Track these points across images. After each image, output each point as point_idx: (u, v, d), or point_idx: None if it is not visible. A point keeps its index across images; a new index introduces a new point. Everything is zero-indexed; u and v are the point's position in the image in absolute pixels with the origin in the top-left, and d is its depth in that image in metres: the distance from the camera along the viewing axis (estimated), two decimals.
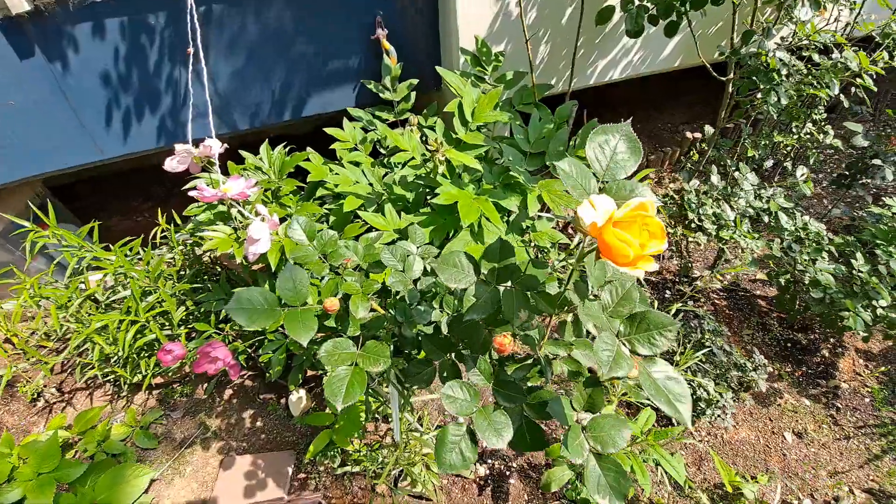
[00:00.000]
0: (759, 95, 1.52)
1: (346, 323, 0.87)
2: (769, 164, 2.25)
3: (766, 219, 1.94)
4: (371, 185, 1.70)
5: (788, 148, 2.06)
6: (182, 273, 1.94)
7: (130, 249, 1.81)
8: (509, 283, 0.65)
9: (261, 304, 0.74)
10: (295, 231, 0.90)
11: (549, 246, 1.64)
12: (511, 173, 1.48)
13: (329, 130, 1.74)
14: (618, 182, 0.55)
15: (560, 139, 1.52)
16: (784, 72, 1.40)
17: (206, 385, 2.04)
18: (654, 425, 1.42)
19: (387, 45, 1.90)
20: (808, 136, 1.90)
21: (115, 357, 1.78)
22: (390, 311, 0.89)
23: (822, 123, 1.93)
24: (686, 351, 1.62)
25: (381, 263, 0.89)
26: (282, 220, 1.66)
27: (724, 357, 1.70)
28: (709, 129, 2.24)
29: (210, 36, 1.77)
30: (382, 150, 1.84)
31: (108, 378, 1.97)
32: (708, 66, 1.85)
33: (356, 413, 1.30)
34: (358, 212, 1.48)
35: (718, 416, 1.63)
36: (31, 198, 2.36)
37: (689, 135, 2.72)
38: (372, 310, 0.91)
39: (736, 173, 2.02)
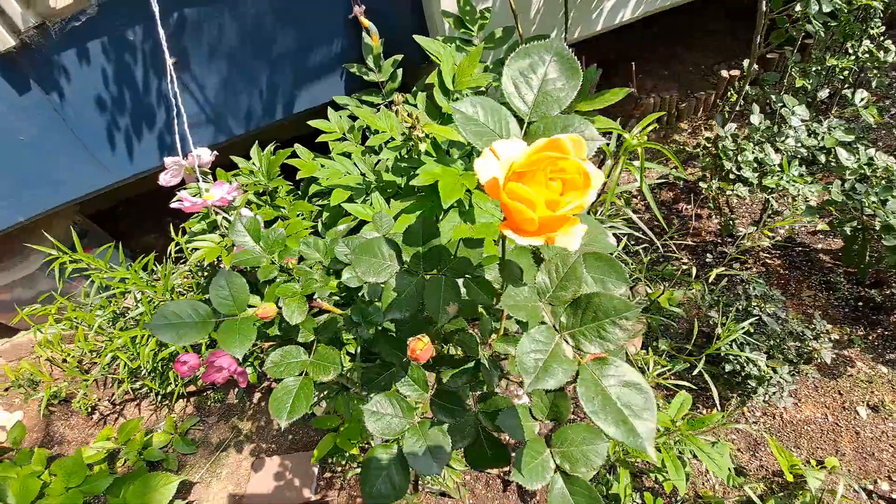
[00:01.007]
0: (797, 8, 1.25)
1: (297, 329, 0.79)
2: (824, 94, 1.90)
3: (822, 158, 1.64)
4: (364, 174, 1.62)
5: (845, 73, 1.72)
6: (200, 283, 1.98)
7: (145, 267, 1.87)
8: (436, 271, 0.53)
9: (190, 318, 0.68)
10: (237, 232, 0.83)
11: None
12: None
13: (313, 123, 1.67)
14: (547, 120, 0.42)
15: None
16: None
17: (236, 390, 2.09)
18: (690, 411, 1.25)
19: (365, 22, 1.78)
20: (867, 56, 1.56)
21: (144, 371, 1.86)
22: (349, 312, 0.80)
23: (882, 39, 1.58)
24: (727, 323, 1.41)
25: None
26: (270, 222, 1.63)
27: (776, 325, 1.47)
28: (748, 62, 1.93)
29: (188, 44, 1.75)
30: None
31: (153, 390, 2.07)
32: None
33: (358, 415, 1.24)
34: (343, 204, 1.41)
35: (774, 394, 1.42)
36: (69, 226, 2.52)
37: (724, 73, 2.38)
38: (326, 312, 0.83)
39: (782, 109, 1.72)
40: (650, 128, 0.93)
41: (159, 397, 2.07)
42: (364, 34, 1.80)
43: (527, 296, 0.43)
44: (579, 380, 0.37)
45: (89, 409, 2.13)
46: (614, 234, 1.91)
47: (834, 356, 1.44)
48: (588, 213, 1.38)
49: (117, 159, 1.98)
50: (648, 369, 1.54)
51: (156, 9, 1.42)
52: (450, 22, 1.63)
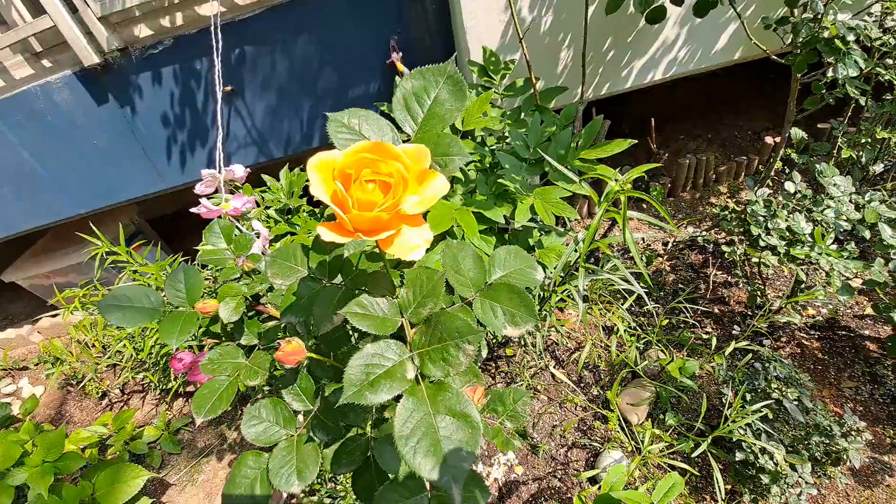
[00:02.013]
0: (829, 74, 1.19)
1: (242, 331, 0.81)
2: (878, 168, 1.75)
3: (867, 234, 1.49)
4: None
5: None
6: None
7: (169, 266, 2.01)
8: (338, 281, 0.53)
9: (141, 303, 0.72)
10: (213, 234, 0.88)
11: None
12: (501, 181, 1.34)
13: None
14: (428, 135, 0.42)
15: (560, 141, 1.35)
16: (850, 38, 1.06)
17: None
18: (686, 498, 1.10)
19: (401, 67, 1.92)
20: None
21: (148, 363, 1.95)
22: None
23: None
24: (736, 402, 1.26)
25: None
26: (281, 236, 1.71)
27: (800, 415, 1.29)
28: (797, 131, 1.83)
29: (244, 75, 1.97)
30: None
31: (153, 383, 2.16)
32: (767, 53, 1.53)
33: None
34: None
35: (791, 495, 1.22)
36: (126, 224, 2.80)
37: (768, 140, 2.27)
38: (275, 319, 0.84)
39: (822, 178, 1.60)
40: (634, 176, 0.90)
41: (161, 392, 2.15)
42: (397, 77, 1.94)
43: (386, 309, 0.41)
44: (403, 400, 0.34)
45: (100, 394, 2.25)
46: (617, 289, 1.81)
47: (867, 459, 1.21)
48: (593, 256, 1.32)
49: (171, 169, 2.21)
50: (644, 442, 1.39)
51: (217, 45, 1.63)
52: (474, 71, 1.72)
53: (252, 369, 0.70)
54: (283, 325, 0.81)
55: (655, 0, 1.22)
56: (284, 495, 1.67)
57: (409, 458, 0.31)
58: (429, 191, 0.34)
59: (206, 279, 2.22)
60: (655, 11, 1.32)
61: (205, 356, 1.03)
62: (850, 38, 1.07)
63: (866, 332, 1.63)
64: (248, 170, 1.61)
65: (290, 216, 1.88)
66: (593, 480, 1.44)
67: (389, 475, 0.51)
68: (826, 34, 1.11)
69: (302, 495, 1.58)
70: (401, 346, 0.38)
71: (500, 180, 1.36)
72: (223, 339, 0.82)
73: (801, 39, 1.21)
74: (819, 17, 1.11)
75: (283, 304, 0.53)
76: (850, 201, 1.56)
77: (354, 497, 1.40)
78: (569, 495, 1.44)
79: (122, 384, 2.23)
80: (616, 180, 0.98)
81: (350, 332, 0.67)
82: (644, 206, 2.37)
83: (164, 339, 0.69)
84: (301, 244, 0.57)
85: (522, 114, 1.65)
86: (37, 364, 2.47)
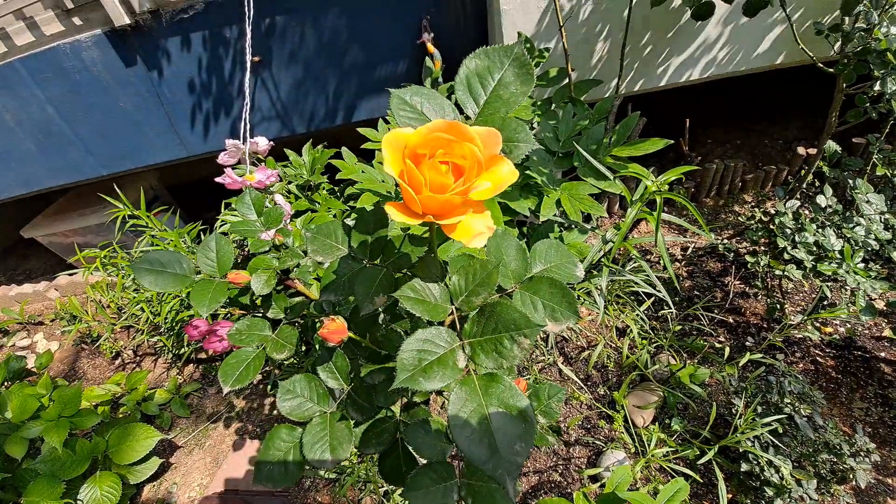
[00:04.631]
0: (876, 87, 1.14)
1: (269, 304, 0.81)
2: None
3: (895, 255, 1.45)
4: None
5: None
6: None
7: (189, 233, 2.02)
8: (379, 262, 0.53)
9: (173, 269, 0.72)
10: (244, 205, 0.88)
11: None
12: (529, 173, 1.32)
13: (362, 130, 1.76)
14: (490, 119, 0.41)
15: (593, 136, 1.32)
16: None
17: None
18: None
19: (431, 48, 1.89)
20: None
21: (163, 327, 1.99)
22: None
23: None
24: (747, 414, 1.25)
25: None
26: (301, 212, 1.71)
27: (810, 431, 1.28)
28: (830, 144, 1.78)
29: (273, 46, 1.95)
30: None
31: (167, 347, 2.20)
32: (814, 60, 1.47)
33: None
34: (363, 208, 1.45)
35: None
36: (147, 189, 2.82)
37: (800, 150, 2.21)
38: (302, 295, 0.85)
39: (856, 194, 1.56)
40: (671, 177, 0.88)
41: (173, 357, 2.19)
42: (427, 59, 1.90)
43: (437, 295, 0.41)
44: (456, 389, 0.34)
45: (113, 354, 2.30)
46: (638, 291, 1.79)
47: (872, 481, 1.21)
48: (599, 264, 1.31)
49: (194, 136, 2.21)
50: (650, 446, 1.40)
51: (248, 12, 1.60)
52: None
53: (279, 342, 0.71)
54: (310, 303, 0.81)
55: None
56: None
57: (465, 447, 0.31)
58: (498, 177, 0.33)
59: None
60: (703, 7, 1.28)
61: (221, 326, 1.04)
62: None
63: (882, 355, 1.60)
64: (272, 143, 1.61)
65: (310, 193, 1.88)
66: (594, 478, 1.45)
67: (419, 459, 0.51)
68: (879, 46, 1.07)
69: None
70: (451, 334, 0.38)
71: (527, 171, 1.34)
72: (250, 310, 0.83)
73: (851, 49, 1.16)
74: (872, 27, 1.07)
75: (323, 281, 0.53)
76: (882, 220, 1.52)
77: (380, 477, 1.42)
78: (569, 490, 1.45)
79: (135, 346, 2.28)
80: (651, 181, 0.96)
81: (379, 316, 0.67)
82: (666, 208, 2.33)
83: (196, 305, 0.69)
84: (342, 223, 0.56)
85: (553, 105, 1.62)
86: (53, 320, 2.52)
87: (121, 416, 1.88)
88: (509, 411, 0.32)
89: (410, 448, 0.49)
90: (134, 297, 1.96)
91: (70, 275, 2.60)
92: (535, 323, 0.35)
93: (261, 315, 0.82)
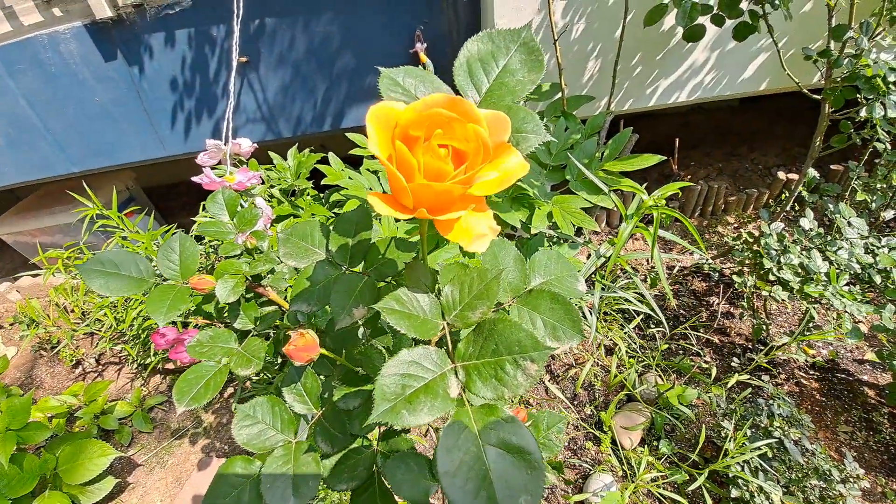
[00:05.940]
0: (862, 113, 1.16)
1: (237, 314, 0.74)
2: (889, 214, 1.74)
3: (878, 279, 1.47)
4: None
5: None
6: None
7: (163, 236, 1.93)
8: (361, 269, 0.48)
9: (128, 271, 0.66)
10: (216, 205, 0.82)
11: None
12: (520, 184, 1.29)
13: (350, 135, 1.72)
14: (494, 107, 0.36)
15: (585, 150, 1.31)
16: (892, 78, 1.04)
17: None
18: None
19: (424, 58, 1.87)
20: None
21: (128, 335, 1.87)
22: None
23: None
24: (738, 438, 1.22)
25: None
26: (279, 219, 1.65)
27: (800, 457, 1.26)
28: (811, 171, 1.82)
29: (260, 48, 1.90)
30: None
31: (131, 356, 2.07)
32: (800, 86, 1.51)
33: None
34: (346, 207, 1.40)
35: None
36: (121, 190, 2.70)
37: (781, 175, 2.26)
38: (274, 304, 0.78)
39: (838, 217, 1.59)
40: (668, 192, 0.86)
41: (139, 367, 2.06)
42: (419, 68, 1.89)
43: (427, 308, 0.36)
44: (447, 425, 0.29)
45: (74, 362, 2.15)
46: (622, 308, 1.77)
47: None
48: (591, 278, 1.28)
49: (174, 136, 2.13)
50: (638, 469, 1.35)
51: (238, 11, 1.56)
52: None
53: (245, 357, 0.64)
54: (284, 313, 0.75)
55: (696, 15, 1.19)
56: None
57: (457, 500, 0.25)
58: (506, 168, 0.29)
59: (200, 255, 2.14)
60: (695, 29, 1.29)
61: (189, 335, 0.97)
62: (892, 78, 1.05)
63: (865, 378, 1.61)
64: (255, 145, 1.55)
65: (294, 198, 1.82)
66: None
67: (398, 499, 0.45)
68: (868, 72, 1.09)
69: None
70: (442, 355, 0.33)
71: (518, 183, 1.32)
72: (214, 319, 0.76)
73: (839, 75, 1.19)
74: (861, 53, 1.09)
75: (294, 288, 0.48)
76: (864, 245, 1.54)
77: None
78: None
79: (97, 354, 2.14)
80: (646, 195, 0.94)
81: (358, 330, 0.61)
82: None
83: (151, 313, 0.63)
84: (321, 223, 0.51)
85: (545, 119, 1.61)
86: (12, 324, 2.36)
87: (77, 430, 1.74)
88: (512, 454, 0.26)
89: (388, 486, 0.44)
90: (97, 302, 1.85)
91: (34, 276, 2.45)
92: (542, 346, 0.30)
93: (227, 326, 0.76)
